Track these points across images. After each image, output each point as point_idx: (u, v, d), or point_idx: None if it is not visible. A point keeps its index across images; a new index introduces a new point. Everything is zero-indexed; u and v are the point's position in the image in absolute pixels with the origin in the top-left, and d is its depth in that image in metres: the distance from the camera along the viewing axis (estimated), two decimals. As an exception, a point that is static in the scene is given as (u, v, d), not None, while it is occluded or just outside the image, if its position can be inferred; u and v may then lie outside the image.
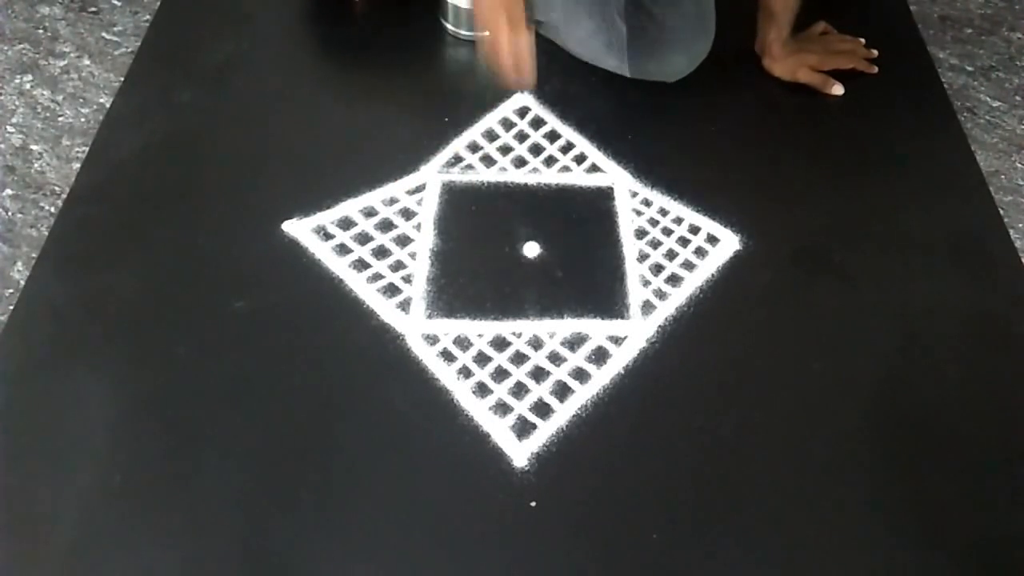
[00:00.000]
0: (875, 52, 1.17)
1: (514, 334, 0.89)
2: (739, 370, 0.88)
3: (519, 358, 0.87)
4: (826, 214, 1.02)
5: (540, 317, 0.90)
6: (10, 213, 1.38)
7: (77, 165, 1.20)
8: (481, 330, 0.89)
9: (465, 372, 0.85)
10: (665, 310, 0.91)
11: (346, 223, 0.97)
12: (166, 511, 0.76)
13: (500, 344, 0.88)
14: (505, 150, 1.06)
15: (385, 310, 0.90)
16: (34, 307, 0.90)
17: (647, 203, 1.01)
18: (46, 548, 0.74)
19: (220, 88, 1.12)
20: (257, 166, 1.03)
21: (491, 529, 0.76)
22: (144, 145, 1.04)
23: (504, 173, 1.04)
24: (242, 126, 1.08)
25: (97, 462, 0.79)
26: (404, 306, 0.90)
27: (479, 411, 0.83)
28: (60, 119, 1.52)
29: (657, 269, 0.95)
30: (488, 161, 1.05)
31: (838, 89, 1.13)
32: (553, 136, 1.08)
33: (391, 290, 0.91)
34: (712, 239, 0.98)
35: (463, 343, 0.88)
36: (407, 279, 0.93)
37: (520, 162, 1.05)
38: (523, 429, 0.82)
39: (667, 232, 0.98)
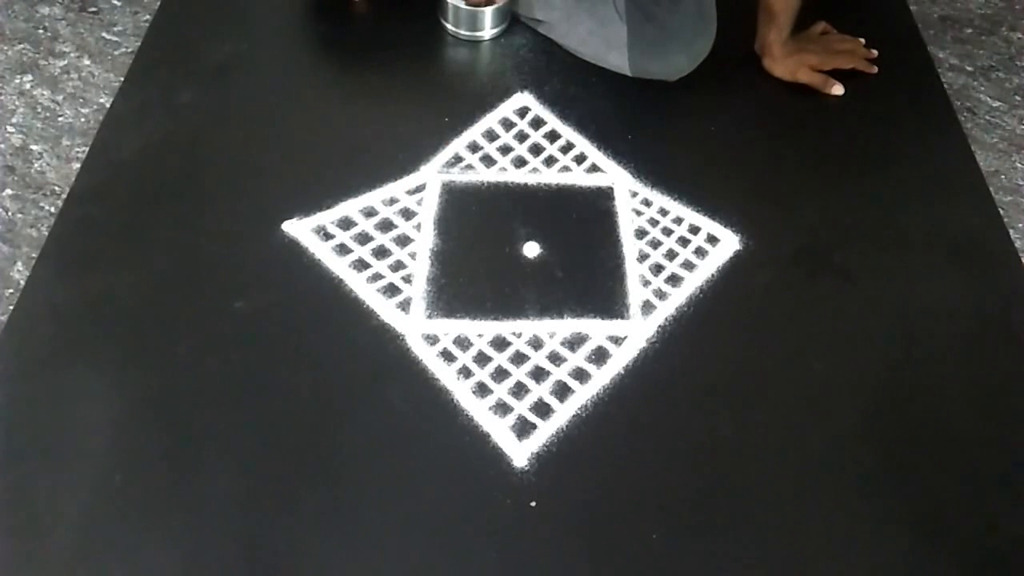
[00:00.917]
0: (875, 52, 1.17)
1: (514, 334, 0.89)
2: (739, 370, 0.88)
3: (519, 358, 0.87)
4: (826, 214, 1.02)
5: (540, 317, 0.90)
6: (10, 213, 1.38)
7: (77, 165, 1.20)
8: (481, 330, 0.89)
9: (465, 372, 0.85)
10: (665, 310, 0.91)
11: (346, 223, 0.97)
12: (166, 511, 0.76)
13: (500, 344, 0.88)
14: (505, 150, 1.06)
15: (385, 310, 0.90)
16: (34, 307, 0.90)
17: (647, 203, 1.01)
18: (46, 548, 0.74)
19: (220, 88, 1.12)
20: (257, 166, 1.03)
21: (491, 529, 0.76)
22: (144, 145, 1.04)
23: (504, 173, 1.04)
24: (242, 126, 1.08)
25: (97, 462, 0.79)
26: (404, 306, 0.90)
27: (479, 411, 0.83)
28: (60, 119, 1.52)
29: (657, 269, 0.95)
30: (488, 161, 1.05)
31: (838, 89, 1.13)
32: (553, 136, 1.08)
33: (391, 290, 0.91)
34: (712, 239, 0.98)
35: (463, 343, 0.88)
36: (407, 279, 0.93)
37: (520, 162, 1.05)
38: (523, 429, 0.82)
39: (667, 232, 0.98)
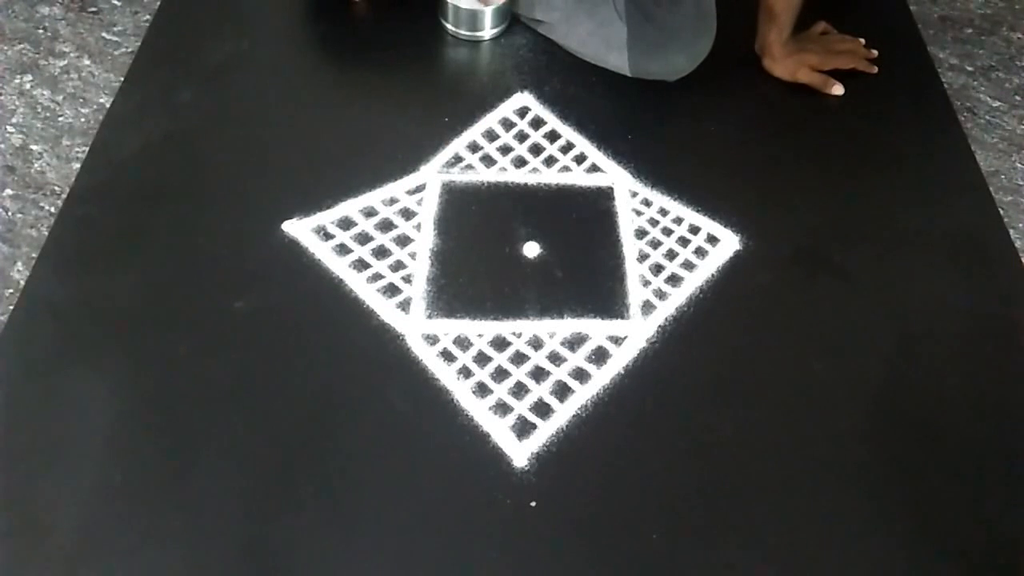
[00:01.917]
0: (875, 52, 1.17)
1: (514, 334, 0.89)
2: (739, 370, 0.88)
3: (519, 358, 0.87)
4: (826, 214, 1.02)
5: (540, 317, 0.90)
6: (10, 213, 1.38)
7: (77, 165, 1.20)
8: (481, 330, 0.89)
9: (465, 372, 0.85)
10: (665, 310, 0.91)
11: (346, 223, 0.97)
12: (166, 511, 0.76)
13: (500, 344, 0.88)
14: (505, 150, 1.06)
15: (385, 310, 0.90)
16: (34, 307, 0.90)
17: (647, 203, 1.01)
18: (46, 548, 0.74)
19: (220, 88, 1.12)
20: (257, 166, 1.03)
21: (491, 529, 0.76)
22: (144, 145, 1.04)
23: (504, 173, 1.04)
24: (242, 126, 1.08)
25: (97, 462, 0.79)
26: (404, 306, 0.90)
27: (479, 411, 0.83)
28: (60, 119, 1.52)
29: (657, 269, 0.95)
30: (488, 161, 1.05)
31: (838, 89, 1.13)
32: (553, 136, 1.08)
33: (391, 290, 0.91)
34: (712, 239, 0.98)
35: (463, 343, 0.88)
36: (407, 279, 0.93)
37: (520, 162, 1.05)
38: (523, 429, 0.82)
39: (667, 232, 0.98)
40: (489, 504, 0.77)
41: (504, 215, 0.99)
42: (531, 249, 0.96)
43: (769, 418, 0.84)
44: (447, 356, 0.87)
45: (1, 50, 1.63)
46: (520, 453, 0.80)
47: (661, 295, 0.93)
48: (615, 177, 1.03)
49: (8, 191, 1.41)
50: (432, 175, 1.02)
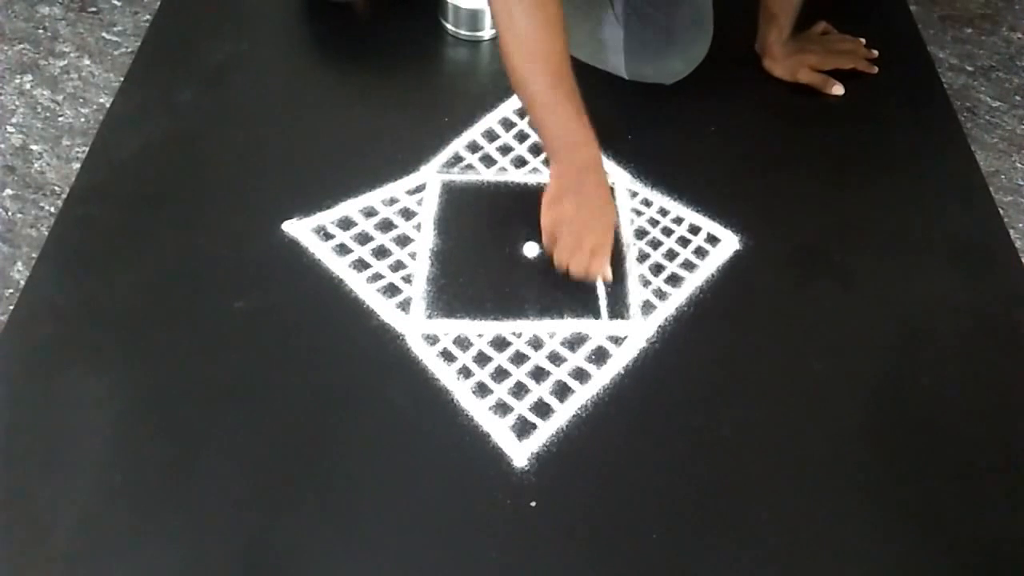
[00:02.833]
0: (875, 52, 1.17)
1: (514, 334, 0.89)
2: (739, 370, 0.88)
3: (519, 358, 0.87)
4: (826, 214, 1.02)
5: (540, 317, 0.90)
6: (10, 213, 1.38)
7: (77, 165, 1.20)
8: (481, 330, 0.89)
9: (465, 372, 0.85)
10: (665, 310, 0.91)
11: (346, 223, 0.97)
12: (166, 511, 0.76)
13: (500, 344, 0.88)
14: (505, 150, 1.06)
15: (385, 310, 0.90)
16: (34, 307, 0.90)
17: (647, 203, 1.01)
18: (46, 548, 0.74)
19: (220, 88, 1.12)
20: (257, 166, 1.03)
21: (491, 529, 0.76)
22: (144, 145, 1.04)
23: (504, 173, 1.04)
24: (242, 126, 1.08)
25: (97, 462, 0.79)
26: (404, 306, 0.90)
27: (479, 411, 0.83)
28: (60, 119, 1.52)
29: (657, 269, 0.95)
30: (488, 161, 1.05)
31: (838, 89, 1.13)
32: (553, 136, 1.08)
33: (391, 290, 0.91)
34: (712, 239, 0.98)
35: (463, 343, 0.88)
36: (407, 279, 0.93)
37: (520, 162, 1.05)
38: (523, 429, 0.82)
39: (667, 232, 0.98)
40: (489, 504, 0.77)
41: (504, 215, 0.99)
42: (531, 249, 0.96)
43: (769, 418, 0.84)
44: (447, 356, 0.86)
45: (1, 50, 1.63)
46: (520, 453, 0.80)
47: (661, 295, 0.93)
48: (615, 177, 1.03)
49: (8, 191, 1.41)
50: (432, 175, 1.02)
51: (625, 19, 1.08)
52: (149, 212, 0.98)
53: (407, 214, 0.98)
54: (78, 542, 0.74)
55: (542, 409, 0.83)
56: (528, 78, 0.90)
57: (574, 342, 0.88)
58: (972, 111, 1.60)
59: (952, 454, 0.83)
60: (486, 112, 1.10)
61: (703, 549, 0.76)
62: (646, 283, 0.94)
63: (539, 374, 0.86)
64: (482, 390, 0.84)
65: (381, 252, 0.95)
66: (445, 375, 0.85)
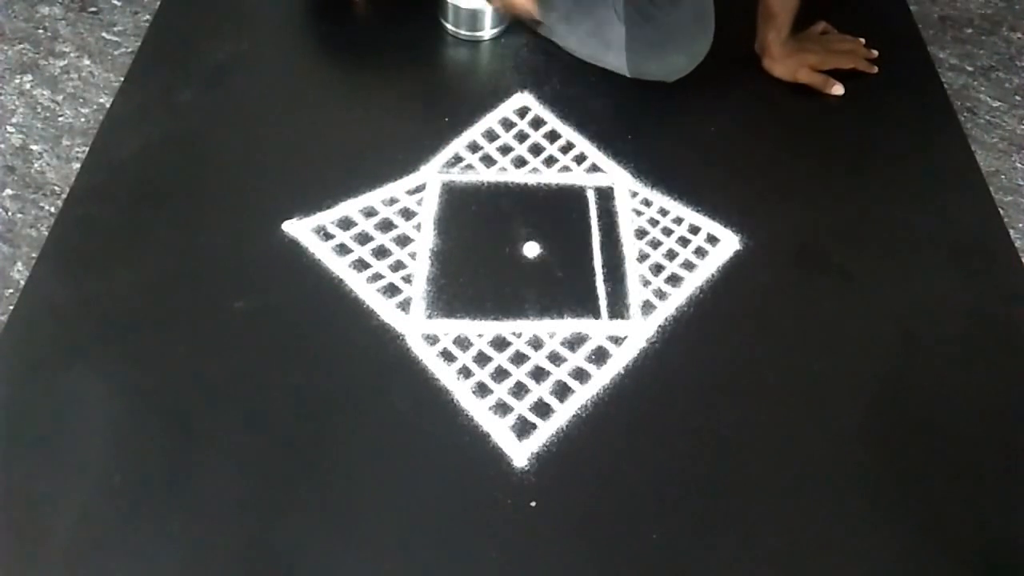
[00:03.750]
0: (875, 52, 1.17)
1: (514, 334, 0.89)
2: (739, 370, 0.88)
3: (519, 358, 0.87)
4: (826, 214, 1.02)
5: (540, 317, 0.90)
6: (10, 213, 1.38)
7: (77, 165, 1.20)
8: (481, 330, 0.89)
9: (465, 372, 0.85)
10: (665, 310, 0.91)
11: (346, 223, 0.97)
12: (166, 511, 0.76)
13: (500, 344, 0.88)
14: (505, 150, 1.06)
15: (385, 310, 0.90)
16: (34, 307, 0.90)
17: (647, 203, 1.01)
18: (46, 548, 0.74)
19: (220, 88, 1.12)
20: (257, 166, 1.03)
21: (491, 529, 0.76)
22: (144, 145, 1.04)
23: (504, 173, 1.04)
24: (242, 126, 1.08)
25: (97, 462, 0.79)
26: (404, 306, 0.90)
27: (479, 411, 0.83)
28: (60, 119, 1.52)
29: (657, 269, 0.95)
30: (488, 161, 1.05)
31: (838, 89, 1.13)
32: (553, 136, 1.08)
33: (391, 290, 0.91)
34: (712, 239, 0.98)
35: (463, 343, 0.88)
36: (407, 279, 0.93)
37: (520, 162, 1.05)
38: (523, 429, 0.82)
39: (667, 232, 0.98)
40: (489, 504, 0.77)
41: (504, 215, 0.99)
42: (531, 249, 0.96)
43: (769, 418, 0.84)
44: (447, 356, 0.87)
45: (1, 50, 1.63)
46: (520, 453, 0.80)
47: (661, 295, 0.93)
48: (615, 177, 1.03)
49: (8, 191, 1.41)
50: (432, 175, 1.02)
51: (626, 17, 1.08)
52: (149, 212, 0.98)
53: (407, 214, 0.98)
54: (78, 542, 0.74)
55: (542, 409, 0.83)
56: None
57: (574, 342, 0.88)
58: (972, 111, 1.60)
59: (952, 454, 0.83)
60: (486, 112, 1.10)
61: (703, 549, 0.76)
62: (646, 283, 0.94)
63: (539, 374, 0.86)
64: (482, 390, 0.84)
65: (381, 252, 0.95)
66: (445, 375, 0.85)
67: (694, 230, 0.99)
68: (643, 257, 0.96)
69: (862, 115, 1.12)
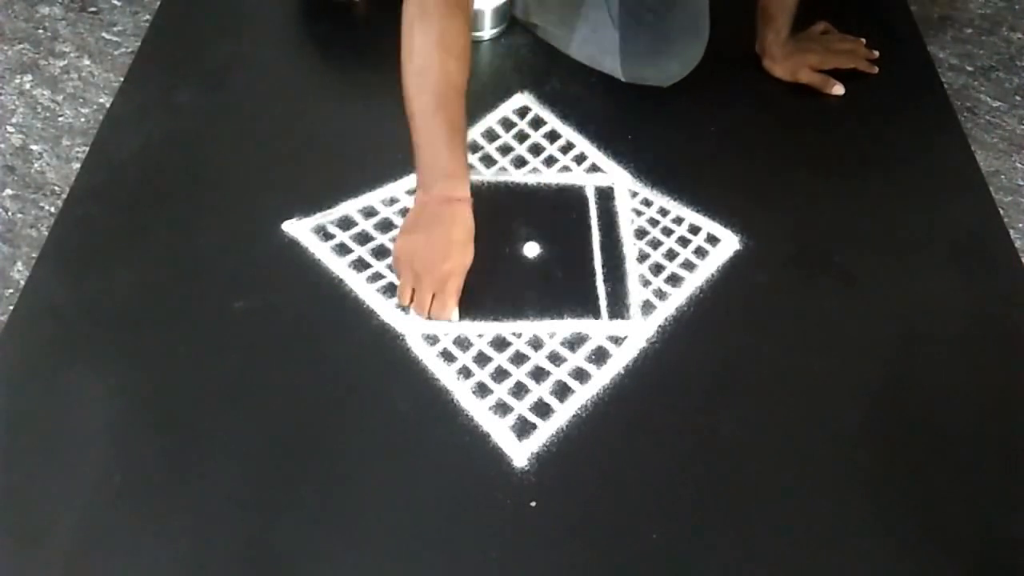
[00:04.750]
0: (876, 52, 1.17)
1: (514, 334, 0.89)
2: (739, 370, 0.88)
3: (519, 358, 0.87)
4: (826, 214, 1.02)
5: (540, 317, 0.90)
6: (10, 213, 1.38)
7: (77, 165, 1.20)
8: (481, 330, 0.89)
9: (465, 372, 0.85)
10: (665, 310, 0.91)
11: (346, 223, 0.97)
12: (166, 511, 0.76)
13: (500, 344, 0.88)
14: (505, 150, 1.06)
15: (385, 310, 0.90)
16: (34, 307, 0.90)
17: (647, 203, 1.01)
18: (46, 548, 0.74)
19: (220, 88, 1.12)
20: (257, 166, 1.03)
21: (491, 529, 0.76)
22: (144, 145, 1.04)
23: (504, 173, 1.04)
24: (242, 126, 1.08)
25: (97, 462, 0.79)
26: (404, 306, 0.90)
27: (479, 411, 0.83)
28: (60, 119, 1.52)
29: (657, 269, 0.95)
30: (488, 161, 1.05)
31: (838, 89, 1.13)
32: (553, 136, 1.08)
33: (391, 290, 0.91)
34: (712, 239, 0.98)
35: (463, 343, 0.88)
36: (407, 279, 0.92)
37: (520, 162, 1.05)
38: (523, 429, 0.82)
39: (667, 232, 0.98)
40: (489, 504, 0.77)
41: (504, 215, 0.99)
42: (531, 249, 0.96)
43: (769, 418, 0.84)
44: (447, 356, 0.86)
45: (1, 50, 1.63)
46: (520, 453, 0.80)
47: (661, 295, 0.93)
48: (615, 177, 1.03)
49: (8, 191, 1.41)
50: (432, 175, 1.02)
51: (620, 22, 1.08)
52: (149, 212, 0.98)
53: (407, 214, 0.98)
54: (78, 542, 0.74)
55: (542, 409, 0.83)
56: (412, 96, 0.90)
57: (574, 342, 0.88)
58: (972, 111, 1.60)
59: (952, 454, 0.83)
60: (486, 112, 1.10)
61: (703, 549, 0.76)
62: (646, 283, 0.94)
63: (539, 374, 0.86)
64: (482, 390, 0.84)
65: (381, 252, 0.95)
66: (445, 375, 0.85)
67: (694, 230, 0.99)
68: (643, 257, 0.96)
69: (862, 115, 1.12)
